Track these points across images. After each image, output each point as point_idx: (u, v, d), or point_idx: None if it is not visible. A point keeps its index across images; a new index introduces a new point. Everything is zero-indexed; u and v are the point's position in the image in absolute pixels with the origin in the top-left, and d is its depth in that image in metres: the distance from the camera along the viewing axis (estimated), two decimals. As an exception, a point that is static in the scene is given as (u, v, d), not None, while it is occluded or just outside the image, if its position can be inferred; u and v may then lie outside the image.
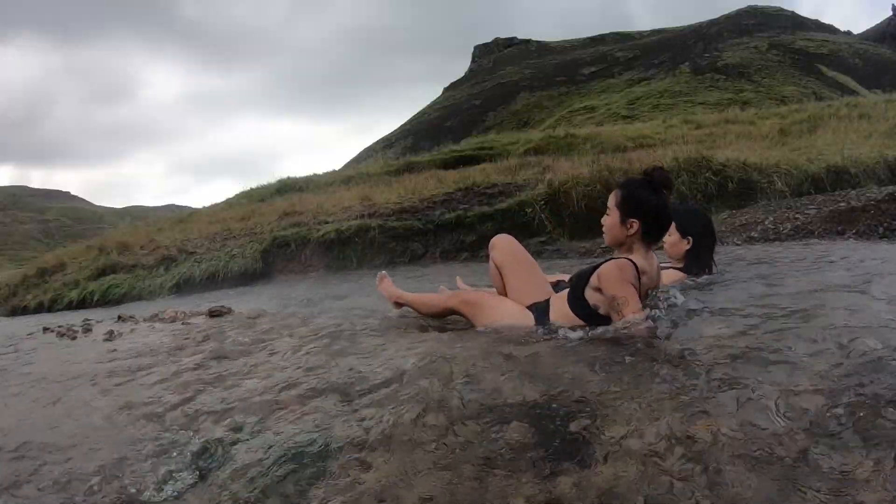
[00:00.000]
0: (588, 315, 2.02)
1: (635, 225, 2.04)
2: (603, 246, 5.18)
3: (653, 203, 2.05)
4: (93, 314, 5.39)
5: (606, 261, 2.05)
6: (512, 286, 2.35)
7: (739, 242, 4.24)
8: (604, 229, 2.15)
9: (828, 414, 1.20)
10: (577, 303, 2.06)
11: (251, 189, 14.48)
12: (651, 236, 2.09)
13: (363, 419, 1.49)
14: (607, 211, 2.13)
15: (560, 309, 2.13)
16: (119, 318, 4.15)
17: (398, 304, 2.80)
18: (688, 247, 2.84)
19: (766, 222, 4.57)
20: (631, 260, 2.01)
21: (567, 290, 2.18)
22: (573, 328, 2.01)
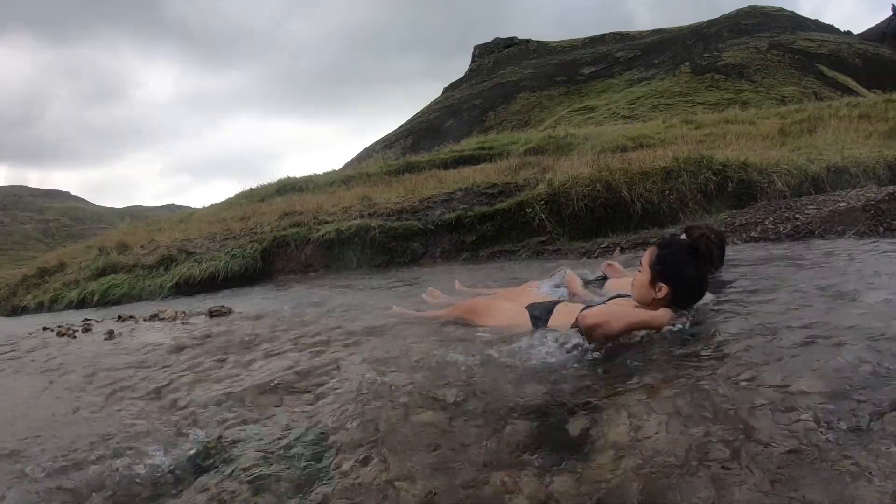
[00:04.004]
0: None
1: (664, 290, 1.93)
2: (602, 246, 5.17)
3: (689, 272, 1.93)
4: (93, 314, 5.38)
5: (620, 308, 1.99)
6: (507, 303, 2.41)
7: (739, 242, 4.24)
8: (633, 284, 2.05)
9: (829, 414, 1.20)
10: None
11: (251, 189, 14.46)
12: (679, 304, 1.98)
13: (363, 418, 1.49)
14: (639, 267, 2.02)
15: (563, 320, 2.08)
16: (119, 317, 4.15)
17: None
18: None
19: (767, 222, 4.56)
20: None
21: (578, 307, 2.13)
22: (570, 334, 1.99)
